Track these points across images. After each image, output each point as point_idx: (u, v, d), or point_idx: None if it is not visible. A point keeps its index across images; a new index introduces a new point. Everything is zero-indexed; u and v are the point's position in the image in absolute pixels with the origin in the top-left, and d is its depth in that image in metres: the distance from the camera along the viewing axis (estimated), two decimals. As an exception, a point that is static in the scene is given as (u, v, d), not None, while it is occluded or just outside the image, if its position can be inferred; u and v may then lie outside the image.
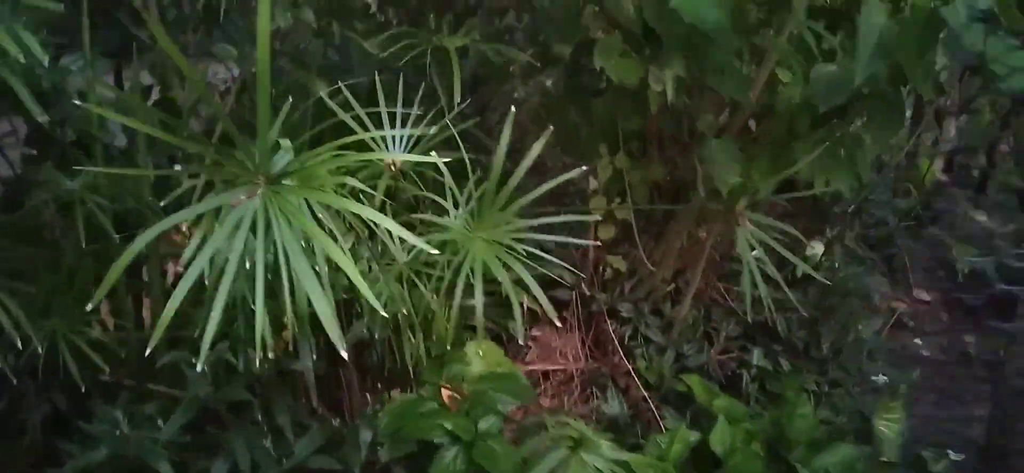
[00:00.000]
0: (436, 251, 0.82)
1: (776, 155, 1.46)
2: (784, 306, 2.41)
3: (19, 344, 1.46)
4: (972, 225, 3.25)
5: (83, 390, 1.65)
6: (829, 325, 2.22)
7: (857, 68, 1.18)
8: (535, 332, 2.32)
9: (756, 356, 1.98)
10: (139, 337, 1.83)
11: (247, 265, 0.87)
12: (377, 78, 1.51)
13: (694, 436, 1.67)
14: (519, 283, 1.23)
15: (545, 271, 1.29)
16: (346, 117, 1.39)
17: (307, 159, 0.93)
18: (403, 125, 1.46)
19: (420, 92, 1.53)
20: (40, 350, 1.52)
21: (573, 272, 1.51)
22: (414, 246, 1.38)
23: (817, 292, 2.35)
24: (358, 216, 1.20)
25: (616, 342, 1.88)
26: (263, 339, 0.83)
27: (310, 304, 0.90)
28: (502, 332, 2.00)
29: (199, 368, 0.85)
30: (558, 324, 1.22)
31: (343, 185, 0.94)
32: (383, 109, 1.46)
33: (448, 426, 1.44)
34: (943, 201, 3.17)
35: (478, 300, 1.13)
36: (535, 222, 1.21)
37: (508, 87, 2.36)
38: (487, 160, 1.33)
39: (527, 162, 1.18)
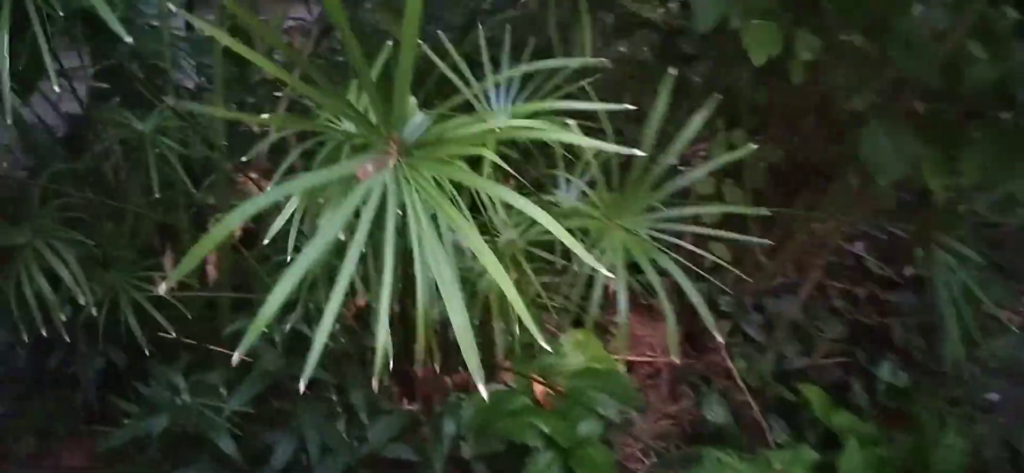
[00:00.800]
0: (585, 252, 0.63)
1: (950, 147, 1.24)
2: (895, 311, 2.19)
3: (79, 299, 1.33)
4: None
5: (144, 351, 1.52)
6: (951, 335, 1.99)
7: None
8: (619, 319, 2.14)
9: (885, 371, 1.77)
10: (203, 295, 1.70)
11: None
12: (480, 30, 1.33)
13: (812, 455, 1.47)
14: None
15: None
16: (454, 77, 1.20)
17: (441, 127, 0.76)
18: (507, 86, 1.28)
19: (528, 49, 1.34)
20: (94, 311, 1.38)
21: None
22: (521, 222, 1.22)
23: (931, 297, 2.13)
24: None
25: (718, 337, 1.68)
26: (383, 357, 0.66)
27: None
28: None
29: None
30: (720, 339, 1.02)
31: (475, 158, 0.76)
32: (489, 73, 1.27)
33: (545, 429, 1.27)
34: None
35: (621, 302, 0.95)
36: (686, 212, 1.02)
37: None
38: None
39: (686, 136, 0.99)
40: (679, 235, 1.02)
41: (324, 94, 0.70)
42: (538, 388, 1.38)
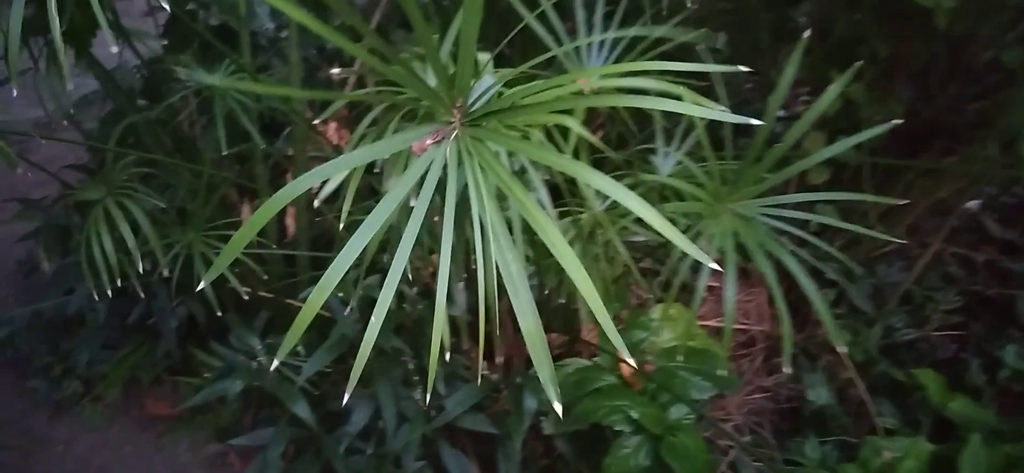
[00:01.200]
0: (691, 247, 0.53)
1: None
2: (1019, 281, 1.99)
3: (140, 264, 1.29)
4: None
5: (224, 305, 1.49)
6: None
7: None
8: (711, 282, 2.01)
9: (1010, 354, 1.59)
10: (281, 252, 1.66)
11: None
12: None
13: (927, 447, 1.33)
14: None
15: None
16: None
17: (516, 92, 0.66)
18: (599, 42, 1.16)
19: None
20: (165, 271, 1.35)
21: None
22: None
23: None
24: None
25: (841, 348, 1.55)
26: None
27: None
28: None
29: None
30: (842, 349, 0.90)
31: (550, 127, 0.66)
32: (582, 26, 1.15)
33: (634, 415, 1.18)
34: None
35: (729, 298, 0.84)
36: (803, 196, 0.89)
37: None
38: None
39: (816, 109, 0.86)
40: (797, 222, 0.89)
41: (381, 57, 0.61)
42: (625, 367, 1.29)
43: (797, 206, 0.89)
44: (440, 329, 0.61)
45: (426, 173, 0.60)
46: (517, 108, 0.63)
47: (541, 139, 0.78)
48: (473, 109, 0.63)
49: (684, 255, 0.95)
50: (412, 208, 0.60)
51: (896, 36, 1.50)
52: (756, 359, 1.86)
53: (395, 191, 0.61)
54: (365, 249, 1.11)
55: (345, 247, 0.62)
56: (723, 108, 0.61)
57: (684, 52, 1.13)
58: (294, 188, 0.63)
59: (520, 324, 0.57)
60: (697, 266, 0.97)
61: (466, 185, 0.61)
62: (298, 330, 0.56)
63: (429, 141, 0.61)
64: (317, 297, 0.61)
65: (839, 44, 1.58)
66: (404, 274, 1.39)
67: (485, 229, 0.59)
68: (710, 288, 2.03)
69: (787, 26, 1.81)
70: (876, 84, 1.61)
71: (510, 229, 0.85)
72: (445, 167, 0.60)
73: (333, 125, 1.95)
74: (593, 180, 0.57)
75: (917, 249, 1.91)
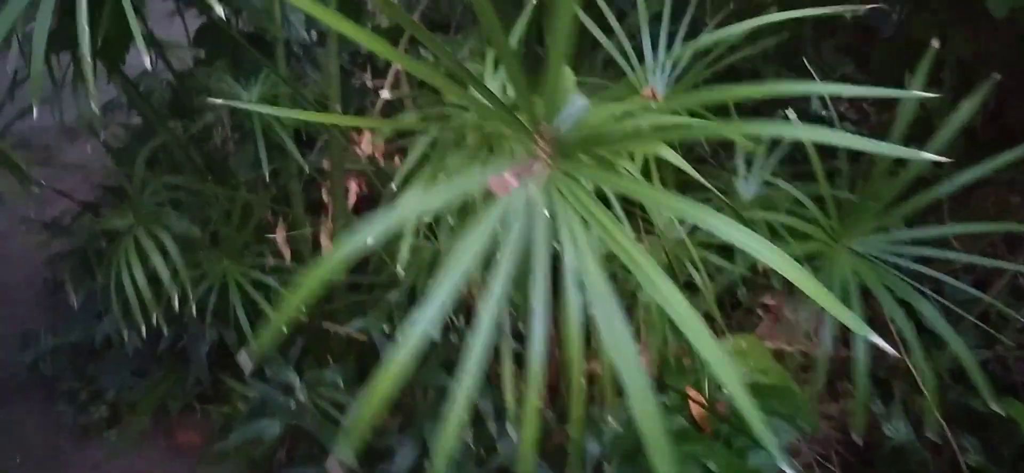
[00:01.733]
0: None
1: None
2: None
3: (175, 302, 1.21)
4: None
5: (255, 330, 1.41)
6: None
7: None
8: (766, 299, 1.89)
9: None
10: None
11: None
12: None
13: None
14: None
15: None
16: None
17: (601, 115, 0.56)
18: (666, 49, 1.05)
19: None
20: (193, 308, 1.26)
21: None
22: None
23: None
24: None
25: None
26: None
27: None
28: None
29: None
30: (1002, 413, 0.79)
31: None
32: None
33: (711, 467, 1.07)
34: None
35: (861, 359, 0.74)
36: (931, 232, 0.78)
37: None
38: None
39: (944, 135, 0.74)
40: (924, 260, 0.78)
41: (440, 73, 0.51)
42: (696, 407, 1.18)
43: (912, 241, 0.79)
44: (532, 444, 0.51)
45: (504, 220, 0.49)
46: (609, 134, 0.53)
47: (633, 173, 0.68)
48: (563, 137, 0.52)
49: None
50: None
51: (977, 35, 1.39)
52: (818, 384, 1.74)
53: (467, 249, 0.50)
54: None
55: (410, 323, 0.53)
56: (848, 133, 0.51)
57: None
58: (348, 248, 0.53)
59: (638, 421, 0.47)
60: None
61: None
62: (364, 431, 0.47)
63: (511, 177, 0.50)
64: (382, 385, 0.51)
65: (910, 43, 1.48)
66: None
67: (589, 296, 0.49)
68: (765, 307, 1.92)
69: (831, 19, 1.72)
70: (955, 88, 1.50)
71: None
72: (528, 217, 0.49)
73: (366, 135, 1.86)
74: (714, 224, 0.47)
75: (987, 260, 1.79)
